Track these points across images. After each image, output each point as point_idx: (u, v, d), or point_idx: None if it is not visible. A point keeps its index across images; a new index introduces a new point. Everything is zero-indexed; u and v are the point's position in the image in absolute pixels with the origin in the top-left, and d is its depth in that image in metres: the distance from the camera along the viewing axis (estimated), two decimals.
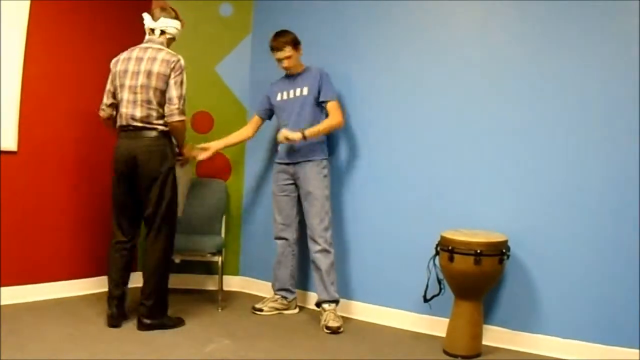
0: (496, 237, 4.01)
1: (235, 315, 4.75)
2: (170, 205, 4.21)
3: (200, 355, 3.81)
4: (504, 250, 3.98)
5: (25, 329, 4.01)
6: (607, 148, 3.94)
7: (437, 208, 4.51)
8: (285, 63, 4.71)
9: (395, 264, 4.68)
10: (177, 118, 4.10)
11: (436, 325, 4.43)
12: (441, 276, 4.23)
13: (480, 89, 4.37)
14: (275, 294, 4.92)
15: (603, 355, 3.86)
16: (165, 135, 4.18)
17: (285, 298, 4.91)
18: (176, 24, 4.28)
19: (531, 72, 4.19)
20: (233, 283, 5.56)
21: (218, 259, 4.96)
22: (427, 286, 4.31)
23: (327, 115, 4.72)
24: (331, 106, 4.69)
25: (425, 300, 4.33)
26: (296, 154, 4.74)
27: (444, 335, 4.16)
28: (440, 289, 4.29)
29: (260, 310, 4.82)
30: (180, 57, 4.17)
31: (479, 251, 3.84)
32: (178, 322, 4.35)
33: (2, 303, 4.44)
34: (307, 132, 4.57)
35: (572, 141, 4.05)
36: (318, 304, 4.66)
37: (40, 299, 4.68)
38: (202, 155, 4.80)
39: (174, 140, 4.29)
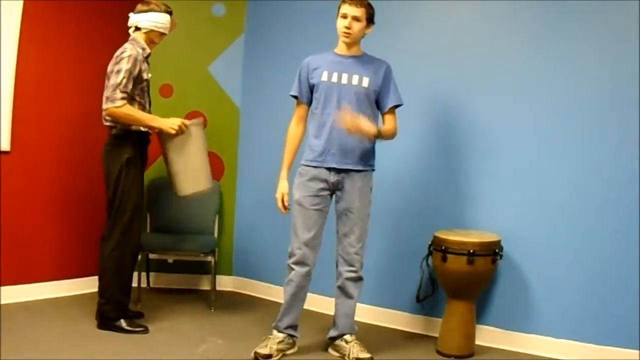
0: (489, 237, 4.02)
1: (229, 315, 4.74)
2: (121, 205, 4.11)
3: (193, 355, 3.82)
4: (497, 250, 3.99)
5: (19, 328, 4.00)
6: (604, 147, 3.96)
7: (431, 208, 4.51)
8: (348, 24, 3.76)
9: (388, 264, 4.68)
10: (104, 106, 3.99)
11: (429, 326, 4.44)
12: (434, 276, 4.24)
13: (476, 90, 4.38)
14: (280, 332, 3.94)
15: (597, 355, 3.88)
16: (119, 132, 4.09)
17: (293, 337, 3.99)
18: (150, 16, 4.15)
19: (529, 73, 4.20)
20: (226, 283, 5.55)
21: (211, 259, 4.94)
22: (420, 286, 4.32)
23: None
24: (393, 114, 3.99)
25: (418, 300, 4.35)
26: (345, 158, 3.84)
27: (437, 335, 4.18)
28: (434, 289, 4.30)
29: (270, 356, 3.81)
30: (128, 47, 4.04)
31: (472, 251, 3.85)
32: (137, 330, 4.16)
33: None
34: (384, 130, 3.86)
35: (567, 141, 4.06)
36: (335, 338, 4.00)
37: (32, 299, 4.65)
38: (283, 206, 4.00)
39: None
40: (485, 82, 4.35)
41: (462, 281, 3.96)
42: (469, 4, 4.44)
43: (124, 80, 3.95)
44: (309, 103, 3.98)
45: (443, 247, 3.96)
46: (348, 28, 3.78)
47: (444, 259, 3.95)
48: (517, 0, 4.25)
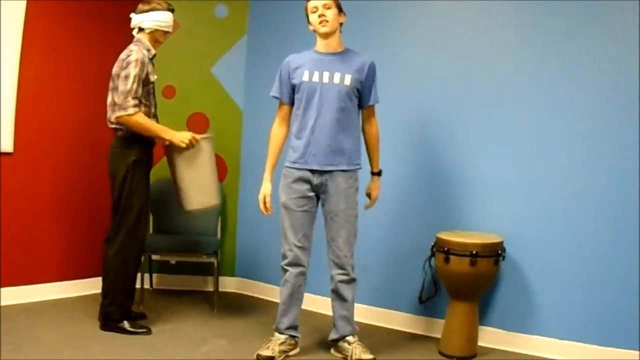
0: (492, 238, 4.02)
1: (231, 317, 4.75)
2: (127, 207, 4.10)
3: (195, 356, 3.82)
4: (499, 252, 3.99)
5: (21, 329, 4.01)
6: (605, 148, 3.95)
7: (433, 209, 4.51)
8: (322, 11, 3.74)
9: (391, 265, 4.68)
10: (117, 114, 3.96)
11: (432, 327, 4.44)
12: (437, 277, 4.24)
13: (477, 90, 4.38)
14: (282, 334, 3.93)
15: (599, 356, 3.87)
16: (126, 135, 4.08)
17: (294, 337, 3.98)
18: (152, 15, 4.11)
19: (530, 73, 4.20)
20: (229, 284, 5.55)
21: (214, 260, 4.95)
22: (422, 287, 4.32)
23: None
24: (372, 111, 3.98)
25: (421, 301, 4.34)
26: (326, 158, 3.80)
27: (439, 336, 4.17)
28: (436, 290, 4.30)
29: (272, 358, 3.80)
30: (134, 50, 4.00)
31: (474, 252, 3.85)
32: (140, 331, 4.15)
33: None
34: (376, 162, 4.06)
35: (569, 142, 4.05)
36: (337, 340, 3.96)
37: (35, 300, 4.67)
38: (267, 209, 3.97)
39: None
40: (486, 85, 4.34)
41: (464, 282, 3.96)
42: (468, 6, 4.43)
43: (135, 86, 3.93)
44: (291, 103, 3.96)
45: (445, 248, 3.95)
46: (323, 15, 3.75)
47: (447, 260, 3.95)
48: (517, 0, 4.25)
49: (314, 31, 3.88)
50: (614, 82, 3.92)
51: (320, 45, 3.89)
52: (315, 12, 3.78)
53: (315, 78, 3.80)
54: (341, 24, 3.87)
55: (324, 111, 3.78)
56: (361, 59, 3.87)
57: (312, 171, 3.82)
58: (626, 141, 3.87)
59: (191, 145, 4.09)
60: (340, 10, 3.83)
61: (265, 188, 3.96)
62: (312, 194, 3.87)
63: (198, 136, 4.14)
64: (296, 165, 3.84)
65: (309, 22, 3.87)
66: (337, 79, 3.78)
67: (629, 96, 3.86)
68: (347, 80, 3.78)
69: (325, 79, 3.79)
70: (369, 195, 4.08)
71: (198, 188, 4.19)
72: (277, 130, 4.01)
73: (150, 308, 4.69)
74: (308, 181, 3.83)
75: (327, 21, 3.76)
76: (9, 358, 3.45)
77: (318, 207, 3.96)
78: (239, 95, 5.56)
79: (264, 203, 3.95)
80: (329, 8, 3.75)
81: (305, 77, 3.82)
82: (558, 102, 4.09)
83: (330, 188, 3.82)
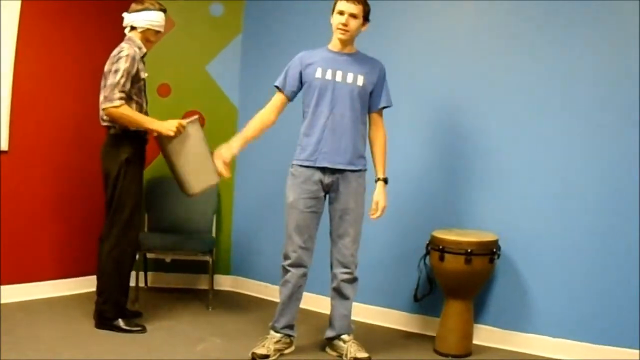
0: (487, 237, 4.03)
1: (226, 315, 4.75)
2: (120, 204, 4.10)
3: (191, 354, 3.82)
4: (494, 250, 3.99)
5: (19, 328, 4.00)
6: (602, 147, 3.97)
7: (428, 207, 4.52)
8: (345, 21, 3.67)
9: (386, 263, 4.69)
10: (102, 106, 3.97)
11: (427, 325, 4.45)
12: (432, 275, 4.24)
13: (472, 89, 4.39)
14: (277, 332, 3.92)
15: (595, 355, 3.88)
16: (118, 133, 4.08)
17: (290, 336, 3.97)
18: (145, 15, 4.11)
19: (525, 72, 4.21)
20: (224, 282, 5.55)
21: (209, 258, 4.94)
22: (417, 285, 4.33)
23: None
24: (381, 114, 3.97)
25: (416, 299, 4.35)
26: (337, 156, 3.77)
27: (434, 334, 4.18)
28: (431, 289, 4.30)
29: (267, 356, 3.79)
30: (125, 47, 4.01)
31: (469, 250, 3.86)
32: (135, 329, 4.15)
33: None
34: (383, 167, 3.95)
35: (565, 139, 4.07)
36: (333, 338, 3.97)
37: (30, 299, 4.65)
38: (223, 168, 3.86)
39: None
40: (482, 85, 4.35)
41: (459, 280, 3.97)
42: (469, 7, 4.44)
43: (122, 80, 3.93)
44: (290, 97, 3.90)
45: (441, 247, 3.96)
46: (345, 25, 3.70)
47: (442, 259, 3.95)
48: (515, 0, 4.25)
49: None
50: (612, 82, 3.93)
51: (335, 44, 3.84)
52: (341, 14, 3.71)
53: (329, 76, 3.77)
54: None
55: (336, 109, 3.76)
56: (372, 61, 3.88)
57: (323, 170, 3.79)
58: (625, 141, 3.88)
59: (178, 132, 4.06)
60: (366, 19, 3.78)
61: (226, 149, 3.83)
62: (321, 194, 3.84)
63: (184, 122, 4.11)
64: (307, 164, 3.79)
65: (332, 14, 3.79)
66: (350, 78, 3.77)
67: (628, 96, 3.87)
68: (360, 80, 3.78)
69: (339, 78, 3.77)
70: (376, 204, 3.91)
71: (195, 172, 4.12)
72: (265, 114, 3.92)
73: (146, 306, 4.68)
74: (319, 181, 3.80)
75: (347, 31, 3.72)
76: (8, 358, 3.44)
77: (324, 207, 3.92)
78: (234, 93, 5.56)
79: (222, 162, 3.84)
80: (355, 17, 3.71)
81: (319, 74, 3.78)
82: (556, 101, 4.10)
83: (341, 187, 3.80)
